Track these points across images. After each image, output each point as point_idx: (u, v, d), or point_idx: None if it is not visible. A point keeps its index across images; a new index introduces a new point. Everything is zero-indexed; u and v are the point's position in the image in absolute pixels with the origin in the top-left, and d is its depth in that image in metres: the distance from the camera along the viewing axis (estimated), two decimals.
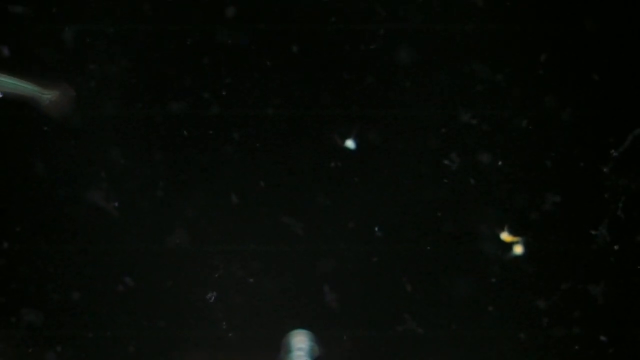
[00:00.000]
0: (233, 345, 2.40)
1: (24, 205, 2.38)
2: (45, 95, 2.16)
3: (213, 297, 2.38)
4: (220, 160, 2.41)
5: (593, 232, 2.40)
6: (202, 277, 2.42)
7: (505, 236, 2.39)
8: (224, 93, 2.41)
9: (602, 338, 2.40)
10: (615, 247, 2.40)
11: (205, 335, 2.41)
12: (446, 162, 2.41)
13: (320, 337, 2.36)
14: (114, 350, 2.39)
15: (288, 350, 2.35)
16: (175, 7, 2.40)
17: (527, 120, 2.41)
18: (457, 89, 2.42)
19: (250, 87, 2.41)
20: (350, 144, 2.41)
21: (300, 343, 2.36)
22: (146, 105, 2.39)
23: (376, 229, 2.41)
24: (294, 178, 2.42)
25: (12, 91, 2.12)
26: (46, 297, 2.39)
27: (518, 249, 2.39)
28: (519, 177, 2.41)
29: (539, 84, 2.42)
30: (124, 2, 2.40)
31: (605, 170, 2.41)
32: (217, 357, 2.40)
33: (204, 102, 2.41)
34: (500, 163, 2.41)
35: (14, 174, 2.37)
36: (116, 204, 2.39)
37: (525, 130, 2.42)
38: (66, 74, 2.37)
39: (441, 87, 2.42)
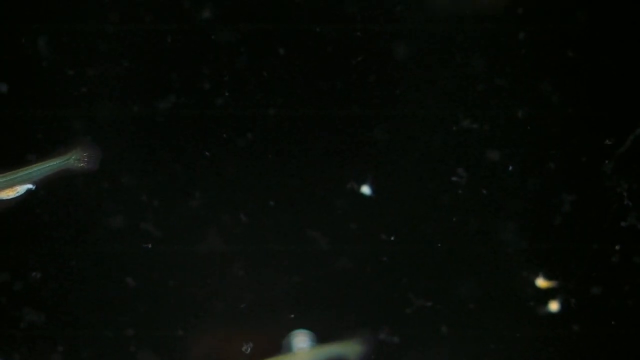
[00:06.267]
0: (237, 345, 2.42)
1: (29, 207, 2.38)
2: (71, 159, 2.13)
3: (249, 349, 2.39)
4: (232, 161, 2.40)
5: (623, 224, 2.40)
6: (203, 276, 2.42)
7: (541, 282, 2.38)
8: (226, 94, 2.38)
9: None
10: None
11: (208, 335, 2.42)
12: (454, 178, 2.40)
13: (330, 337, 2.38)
14: (114, 350, 2.42)
15: (289, 351, 2.37)
16: (175, 7, 2.36)
17: (529, 120, 2.39)
18: (457, 92, 2.39)
19: (253, 87, 2.38)
20: (366, 190, 2.38)
21: (300, 343, 2.37)
22: (145, 105, 2.38)
23: (392, 237, 2.41)
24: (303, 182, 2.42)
25: (41, 176, 2.09)
26: (47, 297, 2.41)
27: (554, 306, 2.39)
28: (530, 179, 2.41)
29: (540, 83, 2.38)
30: (124, 2, 2.35)
31: (608, 167, 2.40)
32: (221, 357, 2.42)
33: (213, 101, 2.39)
34: (510, 168, 2.40)
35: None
36: (117, 205, 2.40)
37: (527, 131, 2.39)
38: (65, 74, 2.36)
39: (441, 90, 2.39)
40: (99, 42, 2.36)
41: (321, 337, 2.36)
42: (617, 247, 2.41)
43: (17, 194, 2.05)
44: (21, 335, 2.41)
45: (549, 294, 2.40)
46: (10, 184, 2.04)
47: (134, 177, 2.39)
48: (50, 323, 2.41)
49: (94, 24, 2.36)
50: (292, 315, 2.40)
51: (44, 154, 2.22)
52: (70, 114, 2.37)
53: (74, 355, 2.42)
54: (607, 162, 2.39)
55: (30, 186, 2.06)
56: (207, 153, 2.38)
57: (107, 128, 2.38)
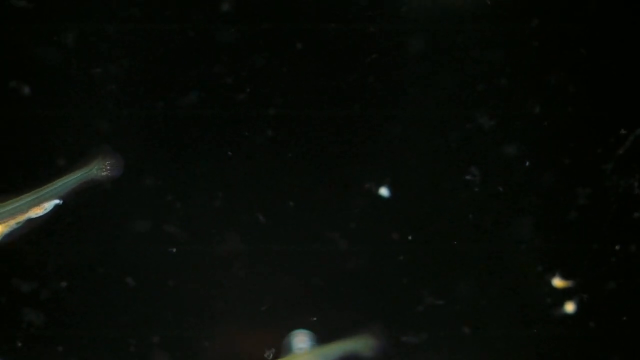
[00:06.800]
0: (238, 345, 2.41)
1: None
2: (95, 169, 2.10)
3: (271, 355, 2.36)
4: (251, 161, 2.38)
5: (636, 215, 2.42)
6: (204, 276, 2.40)
7: (557, 282, 2.38)
8: (247, 89, 2.36)
9: None
10: None
11: (208, 335, 2.41)
12: (468, 177, 2.39)
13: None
14: (114, 350, 2.40)
15: (288, 350, 2.35)
16: (176, 6, 2.32)
17: (543, 118, 2.38)
18: (470, 90, 2.38)
19: (274, 87, 2.36)
20: (383, 190, 2.36)
21: (300, 343, 2.36)
22: (148, 105, 2.36)
23: (409, 237, 2.40)
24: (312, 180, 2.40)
25: (66, 190, 2.05)
26: (47, 297, 2.39)
27: (570, 307, 2.38)
28: (545, 177, 2.41)
29: (542, 82, 2.38)
30: (124, 2, 2.32)
31: (609, 166, 2.41)
32: (221, 357, 2.40)
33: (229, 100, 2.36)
34: (527, 164, 2.39)
35: (20, 170, 2.34)
36: (117, 205, 2.38)
37: (541, 129, 2.39)
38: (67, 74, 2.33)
39: (453, 88, 2.38)
40: (109, 43, 2.33)
41: (341, 337, 2.33)
42: (627, 244, 2.42)
43: (46, 211, 1.99)
44: (27, 335, 2.39)
45: (565, 292, 2.41)
46: (38, 202, 1.98)
47: (153, 179, 2.36)
48: (71, 326, 2.39)
49: (108, 25, 2.32)
50: (315, 318, 2.38)
51: (67, 156, 2.23)
52: (85, 114, 2.33)
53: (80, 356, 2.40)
54: (620, 152, 2.39)
55: (57, 201, 2.01)
56: (229, 152, 2.35)
57: (125, 130, 2.35)
